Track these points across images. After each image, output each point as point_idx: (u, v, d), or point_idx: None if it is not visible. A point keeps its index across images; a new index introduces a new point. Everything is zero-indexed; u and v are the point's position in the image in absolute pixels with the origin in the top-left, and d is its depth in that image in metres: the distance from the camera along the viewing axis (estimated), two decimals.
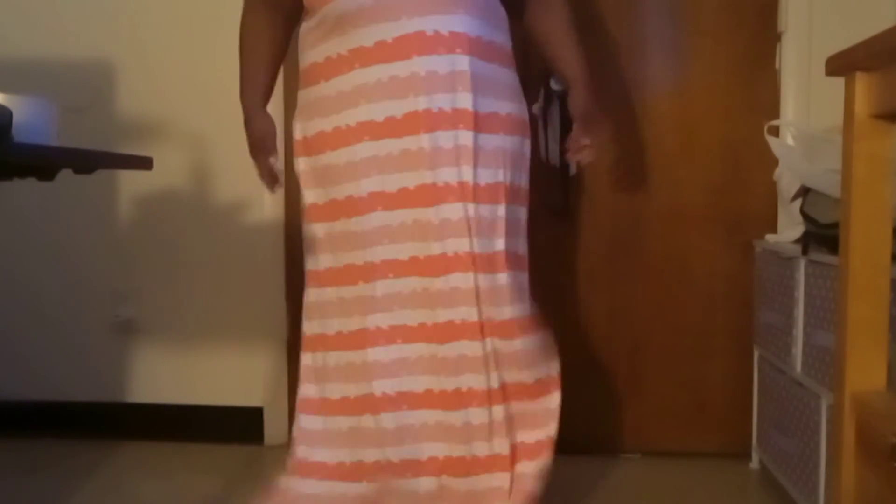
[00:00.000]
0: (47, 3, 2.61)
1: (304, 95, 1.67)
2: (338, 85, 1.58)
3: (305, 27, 1.66)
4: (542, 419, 1.67)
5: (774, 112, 2.37)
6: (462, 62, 1.53)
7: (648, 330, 2.48)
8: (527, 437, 1.65)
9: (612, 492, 2.21)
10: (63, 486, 2.23)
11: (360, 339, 1.62)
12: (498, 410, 1.58)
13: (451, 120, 1.52)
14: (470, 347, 1.54)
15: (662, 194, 2.45)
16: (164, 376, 2.63)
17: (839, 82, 1.25)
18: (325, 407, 1.66)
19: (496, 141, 1.60)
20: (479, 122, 1.57)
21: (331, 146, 1.60)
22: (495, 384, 1.57)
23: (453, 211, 1.52)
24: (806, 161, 1.98)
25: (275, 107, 1.88)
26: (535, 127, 2.25)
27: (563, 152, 1.84)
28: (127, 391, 2.65)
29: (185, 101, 2.58)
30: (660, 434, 2.49)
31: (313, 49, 1.63)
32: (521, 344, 1.64)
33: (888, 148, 1.20)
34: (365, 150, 1.55)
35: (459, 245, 1.52)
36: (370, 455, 1.62)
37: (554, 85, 2.31)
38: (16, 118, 1.24)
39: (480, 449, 1.57)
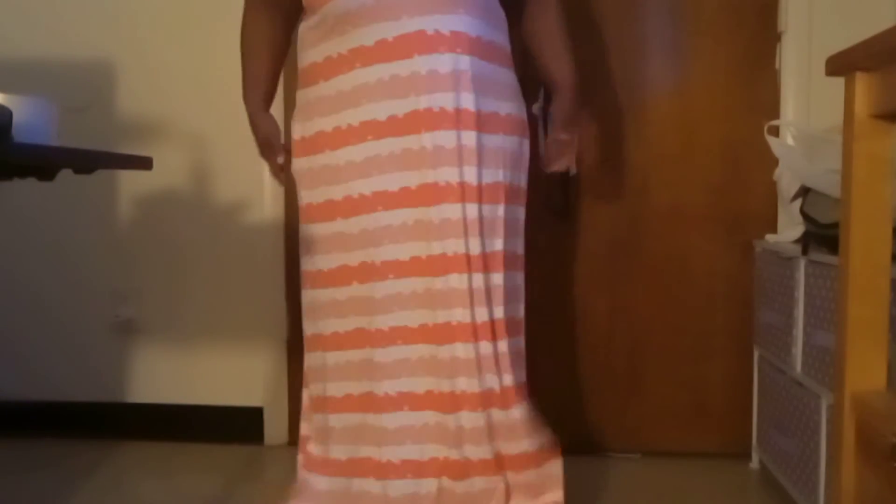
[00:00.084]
0: (47, 3, 2.61)
1: (303, 95, 1.67)
2: (338, 85, 1.58)
3: (305, 27, 1.66)
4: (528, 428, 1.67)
5: (774, 112, 2.37)
6: (463, 62, 1.53)
7: (648, 330, 2.48)
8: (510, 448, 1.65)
9: (612, 492, 2.21)
10: (63, 486, 2.23)
11: (358, 338, 1.62)
12: (492, 413, 1.58)
13: (452, 119, 1.52)
14: (463, 350, 1.54)
15: (662, 194, 2.45)
16: (165, 376, 2.63)
17: (839, 82, 1.25)
18: (329, 405, 1.66)
19: (496, 141, 1.60)
20: (480, 122, 1.57)
21: (330, 146, 1.60)
22: (490, 386, 1.57)
23: (453, 211, 1.52)
24: (806, 161, 1.98)
25: (275, 107, 1.88)
26: (535, 127, 2.25)
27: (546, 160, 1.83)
28: (127, 391, 2.65)
29: (185, 101, 2.58)
30: (660, 434, 2.49)
31: (313, 49, 1.63)
32: (517, 344, 1.65)
33: (888, 148, 1.20)
34: (367, 149, 1.56)
35: (457, 246, 1.53)
36: (373, 452, 1.63)
37: None
38: (16, 118, 1.24)
39: (474, 452, 1.56)
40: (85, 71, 2.61)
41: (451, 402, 1.55)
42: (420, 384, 1.57)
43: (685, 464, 2.39)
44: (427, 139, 1.52)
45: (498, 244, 1.59)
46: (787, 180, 2.13)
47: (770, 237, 2.23)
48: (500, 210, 1.60)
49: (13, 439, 2.58)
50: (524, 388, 1.68)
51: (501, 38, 1.65)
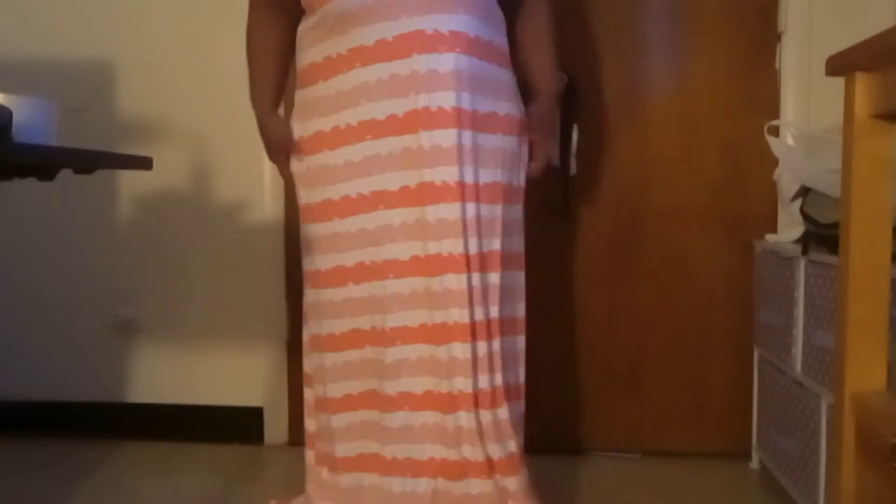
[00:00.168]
0: (47, 3, 2.61)
1: (301, 95, 1.67)
2: (337, 85, 1.58)
3: (304, 27, 1.66)
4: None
5: (774, 112, 2.37)
6: (462, 61, 1.53)
7: (648, 330, 2.48)
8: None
9: (612, 492, 2.21)
10: (63, 486, 2.23)
11: (356, 339, 1.62)
12: (485, 414, 1.58)
13: (450, 119, 1.52)
14: (461, 350, 1.54)
15: (662, 194, 2.45)
16: (164, 376, 2.63)
17: (839, 82, 1.25)
18: (330, 405, 1.67)
19: (495, 141, 1.61)
20: (479, 122, 1.57)
21: (329, 146, 1.60)
22: (484, 386, 1.58)
23: (450, 211, 1.52)
24: (806, 161, 1.98)
25: None
26: None
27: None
28: (127, 391, 2.65)
29: (185, 101, 2.58)
30: (660, 434, 2.49)
31: (312, 49, 1.63)
32: (515, 343, 1.65)
33: (888, 148, 1.20)
34: (366, 149, 1.56)
35: (454, 246, 1.52)
36: (378, 449, 1.63)
37: None
38: (16, 118, 1.24)
39: (471, 453, 1.56)
40: (85, 71, 2.60)
41: (449, 403, 1.56)
42: (419, 384, 1.57)
43: (685, 464, 2.39)
44: (425, 138, 1.52)
45: (496, 244, 1.59)
46: (787, 180, 2.13)
47: (770, 237, 2.23)
48: (499, 210, 1.60)
49: (13, 439, 2.58)
50: (519, 388, 1.68)
51: (500, 39, 1.65)
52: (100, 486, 2.24)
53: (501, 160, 1.62)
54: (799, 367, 1.92)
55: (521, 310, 1.70)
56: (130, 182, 2.61)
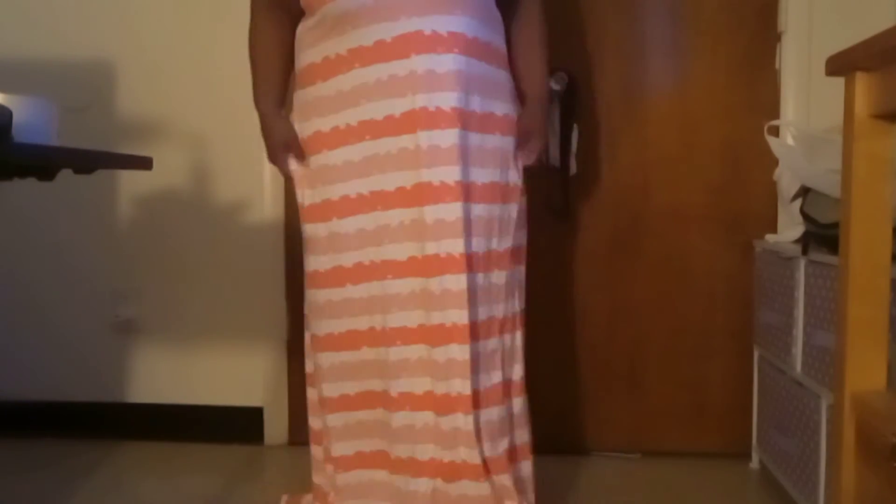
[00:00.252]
0: (47, 3, 2.61)
1: (301, 96, 1.67)
2: (337, 85, 1.58)
3: (303, 27, 1.66)
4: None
5: (774, 112, 2.37)
6: (460, 62, 1.54)
7: (648, 330, 2.48)
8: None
9: (612, 492, 2.21)
10: (63, 486, 2.23)
11: (353, 339, 1.63)
12: (485, 414, 1.59)
13: (449, 119, 1.52)
14: (459, 351, 1.54)
15: (662, 194, 2.45)
16: (164, 376, 2.63)
17: (839, 82, 1.25)
18: (327, 405, 1.67)
19: (493, 141, 1.61)
20: (477, 122, 1.57)
21: (328, 146, 1.60)
22: (485, 385, 1.58)
23: (449, 211, 1.52)
24: (806, 161, 1.98)
25: None
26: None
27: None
28: (127, 391, 2.65)
29: (185, 101, 2.58)
30: (660, 434, 2.49)
31: (311, 49, 1.63)
32: (514, 340, 1.66)
33: (888, 148, 1.20)
34: (366, 149, 1.56)
35: (453, 246, 1.52)
36: (380, 445, 1.64)
37: (553, 85, 2.31)
38: (16, 118, 1.24)
39: (468, 455, 1.56)
40: (85, 71, 2.60)
41: (445, 405, 1.56)
42: (419, 385, 1.57)
43: (685, 464, 2.39)
44: (423, 138, 1.52)
45: (497, 243, 1.60)
46: (787, 180, 2.13)
47: (770, 237, 2.23)
48: (498, 209, 1.60)
49: (13, 439, 2.58)
50: (516, 383, 1.68)
51: (498, 40, 1.65)
52: (100, 486, 2.24)
53: (500, 160, 1.62)
54: (799, 367, 1.92)
55: (517, 306, 1.69)
56: (130, 182, 2.61)
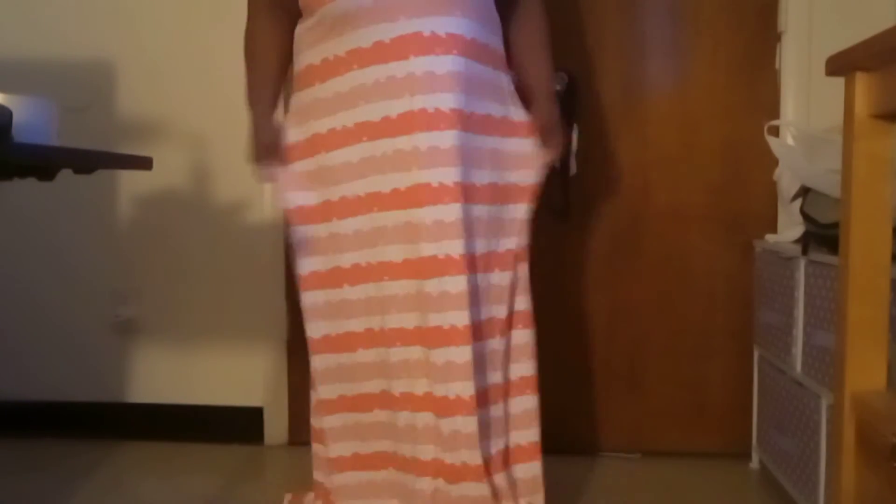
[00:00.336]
0: (47, 3, 2.61)
1: (298, 98, 1.67)
2: (334, 86, 1.58)
3: (301, 28, 1.65)
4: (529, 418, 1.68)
5: (774, 112, 2.37)
6: (459, 63, 1.53)
7: (648, 330, 2.48)
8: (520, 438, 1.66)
9: (612, 492, 2.21)
10: (63, 486, 2.23)
11: (350, 341, 1.63)
12: (487, 412, 1.59)
13: (448, 120, 1.52)
14: (458, 354, 1.53)
15: (662, 194, 2.45)
16: (164, 376, 2.63)
17: (839, 82, 1.25)
18: (322, 407, 1.67)
19: (491, 143, 1.60)
20: (476, 124, 1.57)
21: (326, 147, 1.60)
22: (486, 384, 1.58)
23: (448, 212, 1.52)
24: (806, 161, 1.98)
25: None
26: None
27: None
28: (127, 391, 2.65)
29: (185, 101, 2.58)
30: (660, 434, 2.49)
31: (310, 50, 1.63)
32: (524, 337, 1.66)
33: (888, 148, 1.20)
34: (363, 150, 1.56)
35: (452, 247, 1.52)
36: (382, 446, 1.65)
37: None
38: (16, 118, 1.24)
39: (469, 457, 1.56)
40: (85, 71, 2.60)
41: (446, 407, 1.55)
42: (419, 385, 1.57)
43: (685, 464, 2.39)
44: (421, 139, 1.51)
45: (496, 243, 1.59)
46: (787, 180, 2.13)
47: (770, 237, 2.23)
48: (498, 210, 1.60)
49: (13, 439, 2.58)
50: (518, 382, 1.67)
51: (496, 42, 1.65)
52: (100, 486, 2.24)
53: (499, 161, 1.62)
54: (799, 367, 1.92)
55: (521, 304, 1.69)
56: (130, 182, 2.61)
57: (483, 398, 1.59)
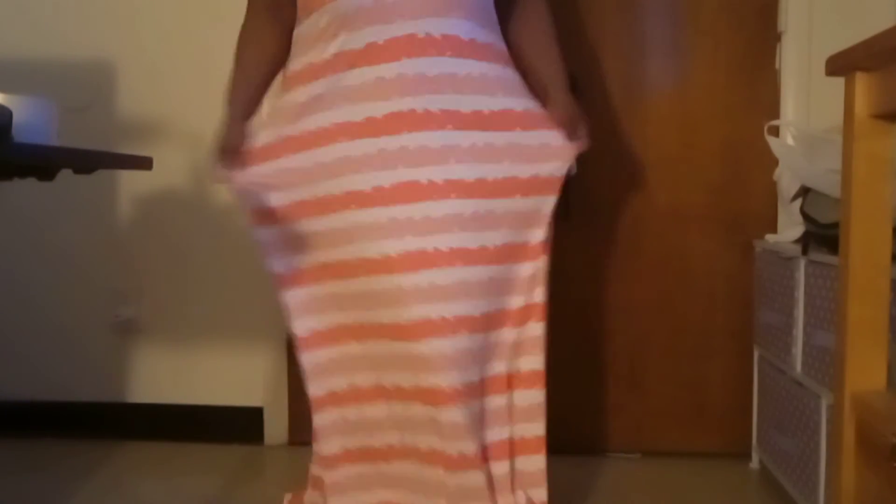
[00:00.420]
0: (47, 3, 2.61)
1: (276, 101, 1.66)
2: (315, 90, 1.57)
3: (297, 31, 1.65)
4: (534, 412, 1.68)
5: (774, 112, 2.37)
6: (452, 64, 1.53)
7: (648, 330, 2.48)
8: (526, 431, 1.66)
9: (612, 492, 2.21)
10: (63, 486, 2.23)
11: (337, 335, 1.63)
12: (489, 401, 1.59)
13: (438, 120, 1.52)
14: (441, 345, 1.54)
15: (662, 194, 2.45)
16: (165, 376, 2.63)
17: (839, 82, 1.25)
18: (315, 404, 1.69)
19: (509, 137, 1.59)
20: (472, 121, 1.55)
21: (293, 150, 1.58)
22: (471, 379, 1.58)
23: (437, 208, 1.51)
24: (806, 161, 1.98)
25: None
26: None
27: None
28: (127, 391, 2.65)
29: (185, 101, 2.58)
30: (660, 434, 2.49)
31: (297, 56, 1.63)
32: (537, 329, 1.65)
33: (888, 148, 1.20)
34: (337, 150, 1.55)
35: (441, 241, 1.52)
36: (380, 439, 1.65)
37: None
38: (16, 118, 1.24)
39: (466, 447, 1.57)
40: (85, 71, 2.60)
41: (432, 397, 1.56)
42: (405, 379, 1.58)
43: (685, 464, 2.39)
44: (409, 139, 1.51)
45: (517, 236, 1.59)
46: (787, 180, 2.13)
47: (770, 237, 2.23)
48: (522, 202, 1.58)
49: (13, 439, 2.58)
50: (531, 375, 1.67)
51: (499, 41, 1.65)
52: (100, 486, 2.24)
53: (521, 155, 1.60)
54: (799, 367, 1.92)
55: (515, 301, 1.67)
56: (130, 182, 2.61)
57: (483, 388, 1.59)
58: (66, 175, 1.50)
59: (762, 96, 2.40)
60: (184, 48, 2.57)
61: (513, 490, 1.63)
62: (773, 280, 2.12)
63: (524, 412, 1.67)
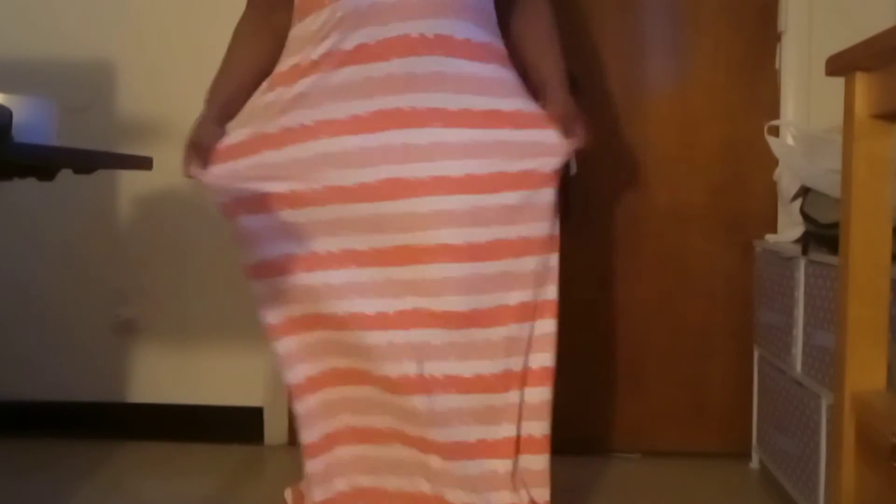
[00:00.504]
0: (47, 3, 2.61)
1: (256, 100, 1.65)
2: (298, 88, 1.56)
3: (291, 34, 1.64)
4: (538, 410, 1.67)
5: (774, 112, 2.37)
6: (442, 63, 1.53)
7: (648, 330, 2.48)
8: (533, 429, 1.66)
9: (612, 492, 2.21)
10: (63, 486, 2.23)
11: (309, 324, 1.63)
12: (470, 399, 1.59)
13: (424, 118, 1.51)
14: (435, 335, 1.54)
15: (662, 194, 2.45)
16: (165, 376, 2.63)
17: (839, 82, 1.25)
18: (301, 388, 1.70)
19: (477, 135, 1.56)
20: (459, 119, 1.54)
21: (270, 146, 1.58)
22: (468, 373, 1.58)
23: (423, 204, 1.51)
24: (806, 161, 1.98)
25: None
26: None
27: None
28: (127, 391, 2.65)
29: (185, 101, 2.55)
30: (660, 434, 2.49)
31: (286, 57, 1.62)
32: (548, 326, 1.65)
33: (888, 148, 1.20)
34: (317, 147, 1.55)
35: (427, 237, 1.52)
36: (379, 422, 1.65)
37: None
38: (16, 118, 1.24)
39: (440, 434, 1.58)
40: (85, 71, 2.60)
41: (421, 385, 1.56)
42: (393, 368, 1.58)
43: (685, 464, 2.39)
44: (392, 136, 1.51)
45: (479, 233, 1.57)
46: (787, 180, 2.13)
47: (770, 237, 2.23)
48: (495, 198, 1.57)
49: (13, 439, 2.58)
50: (542, 372, 1.66)
51: (497, 41, 1.64)
52: (100, 486, 2.24)
53: (512, 152, 1.59)
54: (799, 367, 1.92)
55: (512, 299, 1.64)
56: (130, 182, 2.61)
57: (494, 383, 1.59)
58: (66, 175, 1.50)
59: (762, 96, 2.40)
60: (184, 48, 2.57)
61: (515, 489, 1.63)
62: (773, 280, 2.12)
63: (534, 409, 1.66)
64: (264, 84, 1.66)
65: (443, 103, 1.53)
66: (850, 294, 1.22)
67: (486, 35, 1.61)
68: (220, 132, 1.66)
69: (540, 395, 1.66)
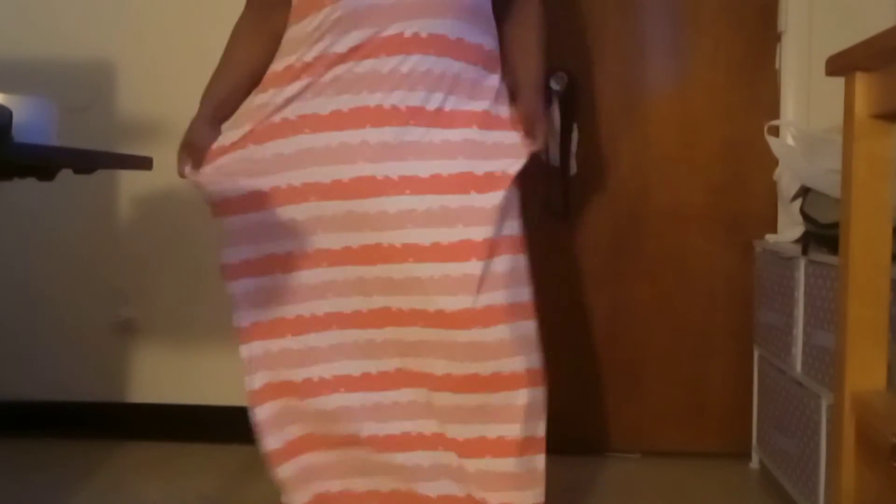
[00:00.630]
0: (47, 3, 2.61)
1: (250, 100, 1.65)
2: (291, 90, 1.57)
3: (286, 35, 1.64)
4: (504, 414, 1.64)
5: (774, 112, 2.37)
6: (430, 62, 1.53)
7: (648, 330, 2.48)
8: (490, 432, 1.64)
9: (612, 492, 2.21)
10: (64, 487, 2.23)
11: (283, 327, 1.64)
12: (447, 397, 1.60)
13: (402, 117, 1.52)
14: (405, 333, 1.56)
15: (662, 194, 2.45)
16: (166, 376, 2.63)
17: (839, 82, 1.25)
18: (259, 396, 1.76)
19: (446, 135, 1.55)
20: (432, 119, 1.54)
21: (255, 141, 1.59)
22: (440, 372, 1.58)
23: (392, 203, 1.52)
24: (806, 161, 1.98)
25: None
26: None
27: None
28: (128, 391, 2.65)
29: (185, 101, 2.56)
30: (660, 434, 2.49)
31: (280, 58, 1.62)
32: (481, 334, 1.58)
33: (888, 148, 1.20)
34: (300, 142, 1.55)
35: (394, 237, 1.52)
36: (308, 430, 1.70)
37: (553, 85, 2.31)
38: (16, 118, 1.24)
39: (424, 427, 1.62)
40: (85, 71, 2.60)
41: (392, 381, 1.60)
42: (354, 367, 1.61)
43: (685, 464, 2.39)
44: (370, 134, 1.51)
45: (444, 234, 1.55)
46: (787, 180, 2.13)
47: (770, 237, 2.23)
48: (460, 199, 1.55)
49: (13, 439, 2.58)
50: (487, 378, 1.65)
51: (491, 43, 1.64)
52: (100, 486, 2.24)
53: (459, 152, 1.57)
54: (799, 367, 1.92)
55: (502, 297, 1.60)
56: (130, 182, 2.61)
57: (462, 382, 1.59)
58: (66, 175, 1.50)
59: (762, 96, 2.40)
60: (184, 48, 2.57)
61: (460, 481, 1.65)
62: (773, 280, 2.12)
63: (500, 412, 1.62)
64: (263, 80, 1.67)
65: (422, 102, 1.54)
66: (850, 294, 1.22)
67: (480, 36, 1.61)
68: (214, 133, 1.67)
69: (510, 398, 1.61)
